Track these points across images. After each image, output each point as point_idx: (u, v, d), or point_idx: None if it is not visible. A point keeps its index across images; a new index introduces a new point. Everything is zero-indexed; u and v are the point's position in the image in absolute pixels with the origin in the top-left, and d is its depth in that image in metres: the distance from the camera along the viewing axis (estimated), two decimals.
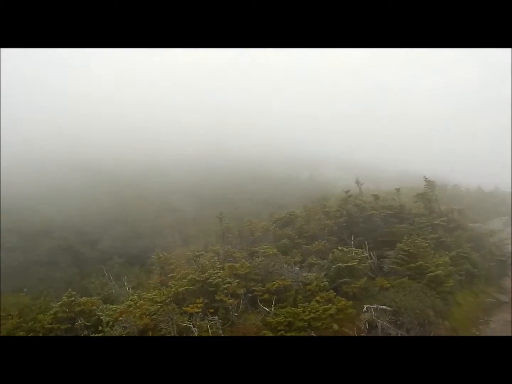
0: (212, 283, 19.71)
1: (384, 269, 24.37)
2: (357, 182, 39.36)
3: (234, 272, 21.42)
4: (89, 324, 18.02)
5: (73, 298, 18.51)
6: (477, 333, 19.16)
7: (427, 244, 24.94)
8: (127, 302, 18.20)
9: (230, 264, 22.59)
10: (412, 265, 22.76)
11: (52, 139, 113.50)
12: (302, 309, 18.96)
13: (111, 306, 18.81)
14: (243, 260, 23.06)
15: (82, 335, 16.87)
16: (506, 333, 18.39)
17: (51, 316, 17.89)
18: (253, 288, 20.79)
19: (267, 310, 19.29)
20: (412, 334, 17.94)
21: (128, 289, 25.11)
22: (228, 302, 18.78)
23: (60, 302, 18.37)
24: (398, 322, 18.64)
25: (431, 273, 21.61)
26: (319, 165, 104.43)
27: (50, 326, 17.52)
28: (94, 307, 19.04)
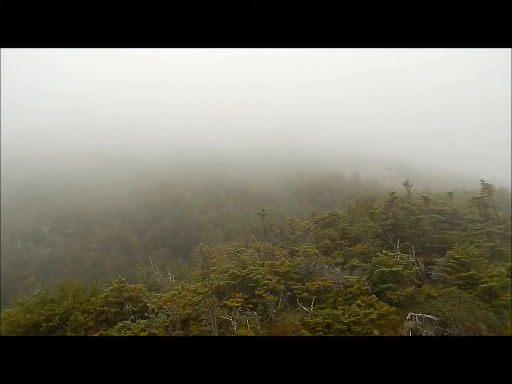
0: (253, 278, 20.02)
1: (431, 276, 23.17)
2: (406, 184, 37.64)
3: (274, 269, 21.55)
4: (136, 309, 19.11)
5: (122, 284, 19.72)
6: None
7: (481, 252, 23.31)
8: (171, 292, 19.03)
9: (270, 261, 22.76)
10: (463, 274, 21.40)
11: (103, 133, 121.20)
12: (342, 311, 18.67)
13: (156, 294, 19.78)
14: (283, 258, 23.12)
15: (130, 319, 17.92)
16: None
17: (103, 299, 19.20)
18: (293, 286, 20.80)
19: (306, 309, 19.21)
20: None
21: (171, 279, 26.26)
22: (267, 298, 18.97)
23: (111, 287, 19.63)
24: (445, 334, 17.69)
25: (484, 284, 20.17)
26: (367, 164, 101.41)
27: (101, 308, 18.84)
28: (141, 294, 20.15)
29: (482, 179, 33.47)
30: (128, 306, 19.09)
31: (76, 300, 19.92)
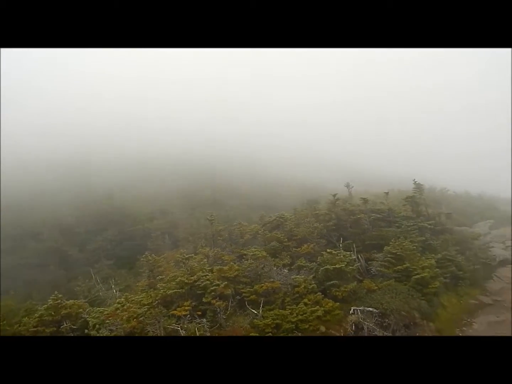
0: (201, 285, 19.74)
1: (371, 271, 24.66)
2: (347, 185, 39.81)
3: (223, 274, 21.45)
4: (75, 327, 17.88)
5: (59, 301, 18.36)
6: (460, 334, 19.49)
7: (414, 247, 25.32)
8: (115, 305, 18.11)
9: (219, 267, 22.63)
10: (399, 267, 23.05)
11: (42, 140, 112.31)
12: (290, 311, 19.08)
13: (98, 309, 18.71)
14: (231, 263, 23.11)
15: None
16: (488, 334, 18.75)
17: (36, 319, 17.70)
18: (242, 290, 20.86)
19: (255, 312, 19.36)
20: (397, 335, 18.18)
21: (116, 291, 24.98)
22: (216, 304, 18.80)
23: (46, 305, 18.19)
24: (384, 324, 18.87)
25: (417, 275, 21.91)
26: (313, 168, 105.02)
27: (34, 329, 17.32)
28: (81, 310, 18.91)
29: (414, 179, 36.47)
30: (66, 324, 17.80)
31: (4, 322, 18.19)
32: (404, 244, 24.61)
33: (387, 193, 36.27)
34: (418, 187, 35.98)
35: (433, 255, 26.28)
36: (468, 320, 21.30)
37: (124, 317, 16.33)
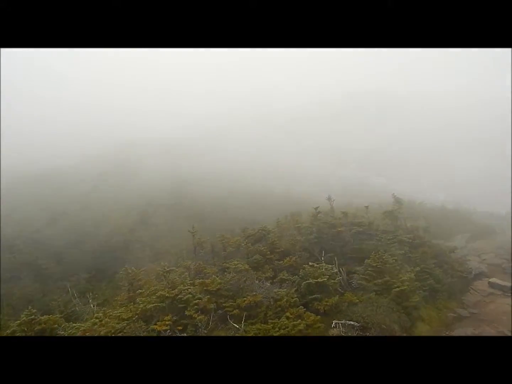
0: (182, 299, 19.43)
1: (353, 284, 24.87)
2: (329, 199, 40.29)
3: (205, 288, 21.22)
4: None
5: (33, 316, 17.63)
6: None
7: (394, 260, 25.73)
8: (92, 320, 17.56)
9: (201, 280, 22.37)
10: (379, 280, 23.36)
11: (13, 150, 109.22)
12: (272, 325, 18.95)
13: (74, 324, 18.06)
14: (214, 276, 22.89)
15: None
16: None
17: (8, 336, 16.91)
18: (224, 304, 20.63)
19: (237, 327, 19.15)
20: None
21: (93, 306, 24.23)
22: (197, 318, 18.52)
23: (19, 321, 17.42)
24: None
25: (397, 289, 22.25)
26: (295, 180, 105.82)
27: None
28: (56, 325, 18.18)
29: (393, 193, 37.41)
30: None
31: None
32: (384, 257, 24.95)
33: (367, 207, 36.98)
34: (397, 201, 36.91)
35: (412, 268, 26.77)
36: (447, 332, 21.68)
37: (101, 333, 15.84)
